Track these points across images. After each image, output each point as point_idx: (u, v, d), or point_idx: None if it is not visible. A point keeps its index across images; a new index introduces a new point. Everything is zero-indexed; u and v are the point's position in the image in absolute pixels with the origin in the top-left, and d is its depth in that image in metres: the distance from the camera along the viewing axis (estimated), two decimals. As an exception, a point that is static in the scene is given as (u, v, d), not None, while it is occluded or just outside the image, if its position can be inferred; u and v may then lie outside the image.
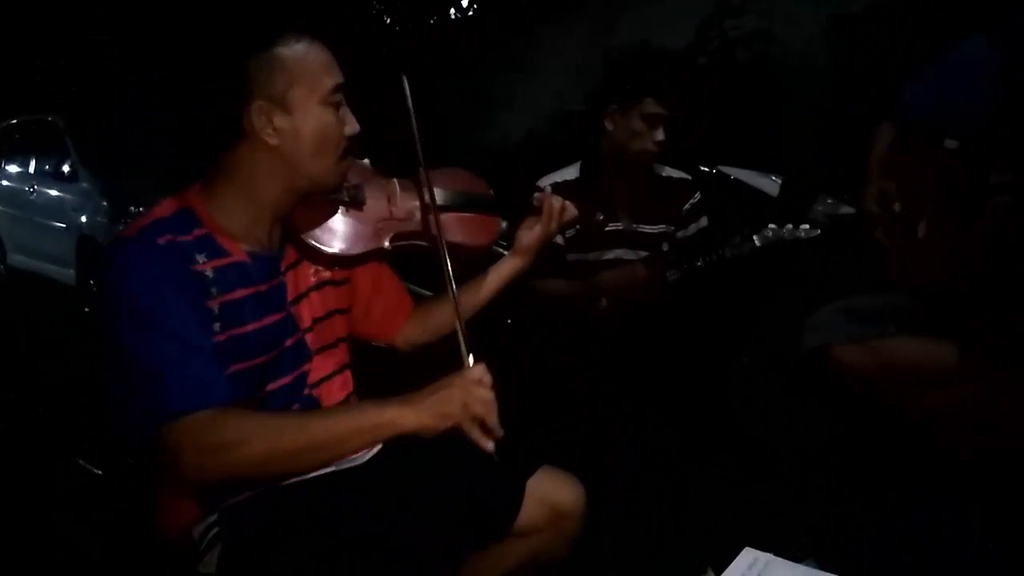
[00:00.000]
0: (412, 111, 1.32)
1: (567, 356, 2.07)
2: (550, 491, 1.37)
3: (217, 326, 1.17)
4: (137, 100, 6.15)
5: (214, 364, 1.14)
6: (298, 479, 1.25)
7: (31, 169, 6.53)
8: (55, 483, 2.23)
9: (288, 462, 1.13)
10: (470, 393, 1.14)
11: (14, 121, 6.95)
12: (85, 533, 1.91)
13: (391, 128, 1.40)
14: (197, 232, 1.19)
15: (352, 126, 1.25)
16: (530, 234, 1.49)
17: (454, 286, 1.27)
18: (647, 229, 2.20)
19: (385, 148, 1.42)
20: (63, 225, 5.89)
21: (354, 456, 1.35)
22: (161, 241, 1.14)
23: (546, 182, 2.26)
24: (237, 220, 1.23)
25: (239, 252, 1.22)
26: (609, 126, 2.13)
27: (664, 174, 2.26)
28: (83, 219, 5.65)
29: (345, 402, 1.39)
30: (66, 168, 6.01)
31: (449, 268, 1.27)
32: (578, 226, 1.56)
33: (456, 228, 1.42)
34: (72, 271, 5.73)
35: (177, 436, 1.07)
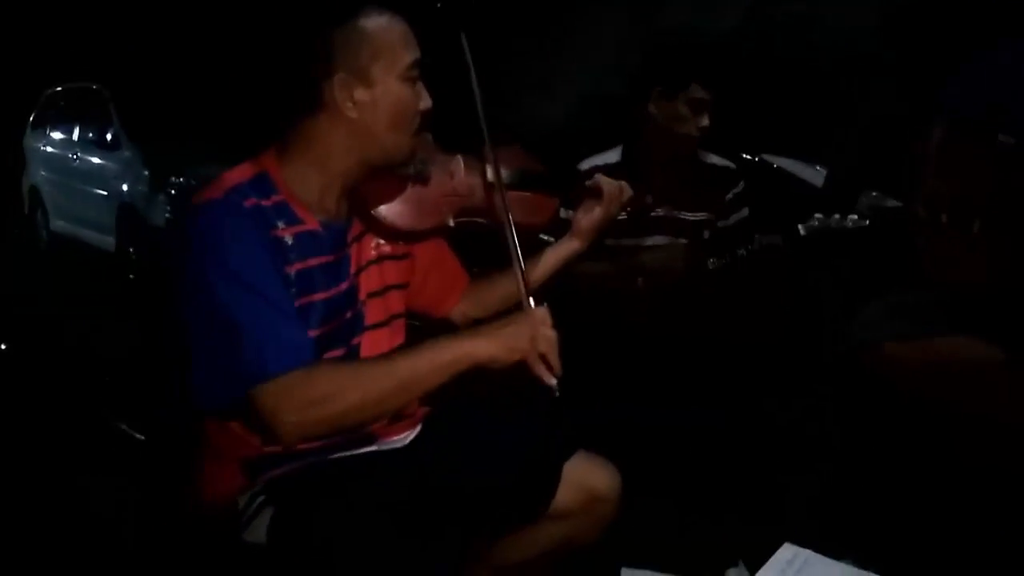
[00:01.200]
0: (478, 95, 1.35)
1: (604, 341, 2.06)
2: (586, 475, 1.37)
3: (293, 291, 1.19)
4: (180, 70, 6.20)
5: (302, 327, 1.18)
6: (341, 455, 1.27)
7: (75, 136, 6.64)
8: (97, 448, 2.28)
9: (379, 406, 1.18)
10: (537, 329, 1.19)
11: (59, 88, 7.07)
12: (126, 499, 1.95)
13: (451, 103, 1.40)
14: (275, 198, 1.21)
15: (427, 101, 1.27)
16: (590, 217, 1.50)
17: (517, 246, 1.30)
18: (688, 216, 2.18)
19: (445, 123, 1.42)
20: (104, 193, 6.00)
21: (395, 438, 1.37)
22: (247, 204, 1.17)
23: (587, 165, 2.24)
24: (309, 189, 1.25)
25: (312, 220, 1.24)
26: (653, 110, 2.11)
27: (708, 161, 2.23)
28: (124, 187, 5.75)
29: None
30: (109, 136, 6.11)
31: (518, 248, 1.30)
32: (628, 208, 1.57)
33: (516, 206, 1.42)
34: (112, 238, 5.84)
35: (274, 396, 1.10)
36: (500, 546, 1.40)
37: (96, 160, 6.23)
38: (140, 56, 7.01)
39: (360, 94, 1.20)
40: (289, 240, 1.20)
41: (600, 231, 1.53)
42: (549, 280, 1.52)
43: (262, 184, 1.21)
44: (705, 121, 2.06)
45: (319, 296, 1.23)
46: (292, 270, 1.19)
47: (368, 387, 1.15)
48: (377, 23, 1.21)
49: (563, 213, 1.63)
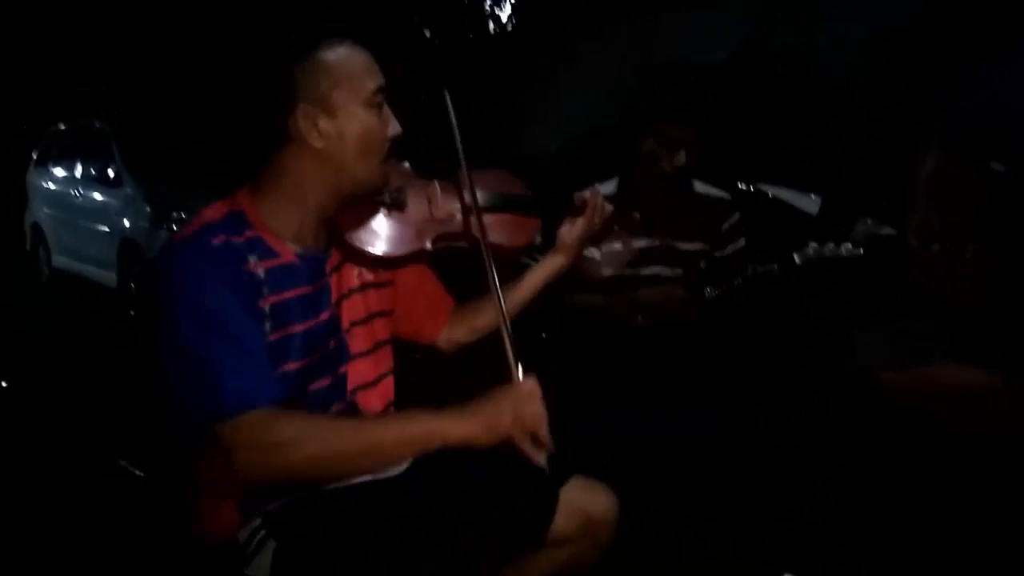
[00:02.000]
0: (453, 116, 1.35)
1: (602, 370, 2.07)
2: (583, 500, 1.37)
3: (268, 326, 1.19)
4: (181, 107, 6.28)
5: (266, 364, 1.16)
6: (336, 486, 1.26)
7: (77, 173, 6.69)
8: (96, 484, 2.27)
9: (338, 465, 1.16)
10: (522, 406, 1.16)
11: (62, 126, 7.13)
12: (126, 534, 1.94)
13: (430, 132, 1.43)
14: (248, 233, 1.22)
15: (394, 127, 1.28)
16: (572, 230, 1.51)
17: (499, 290, 1.29)
18: (685, 247, 2.19)
19: (424, 151, 1.44)
20: (106, 229, 6.03)
21: (390, 467, 1.36)
22: (216, 242, 1.17)
23: (584, 196, 2.26)
24: (285, 222, 1.25)
25: (288, 253, 1.25)
26: (639, 146, 2.14)
27: (704, 192, 2.25)
28: (126, 223, 5.78)
29: (386, 408, 1.40)
30: (111, 173, 6.15)
31: (493, 270, 1.29)
32: (617, 243, 1.57)
33: (496, 229, 1.43)
34: (113, 274, 5.85)
35: (233, 434, 1.09)
36: (500, 574, 1.39)
37: (98, 196, 6.27)
38: (141, 93, 7.09)
39: (324, 124, 1.22)
40: (262, 274, 1.20)
41: (583, 244, 1.52)
42: (537, 297, 1.52)
43: (234, 221, 1.22)
44: (681, 159, 2.08)
45: (298, 328, 1.23)
46: (266, 304, 1.19)
47: (329, 443, 1.13)
48: (336, 54, 1.23)
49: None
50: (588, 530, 1.37)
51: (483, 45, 7.67)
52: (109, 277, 5.92)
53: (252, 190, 1.27)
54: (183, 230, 1.21)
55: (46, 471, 2.40)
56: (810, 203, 3.63)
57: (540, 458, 1.16)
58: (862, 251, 1.95)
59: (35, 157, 7.34)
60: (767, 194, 3.74)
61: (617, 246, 2.14)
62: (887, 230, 2.02)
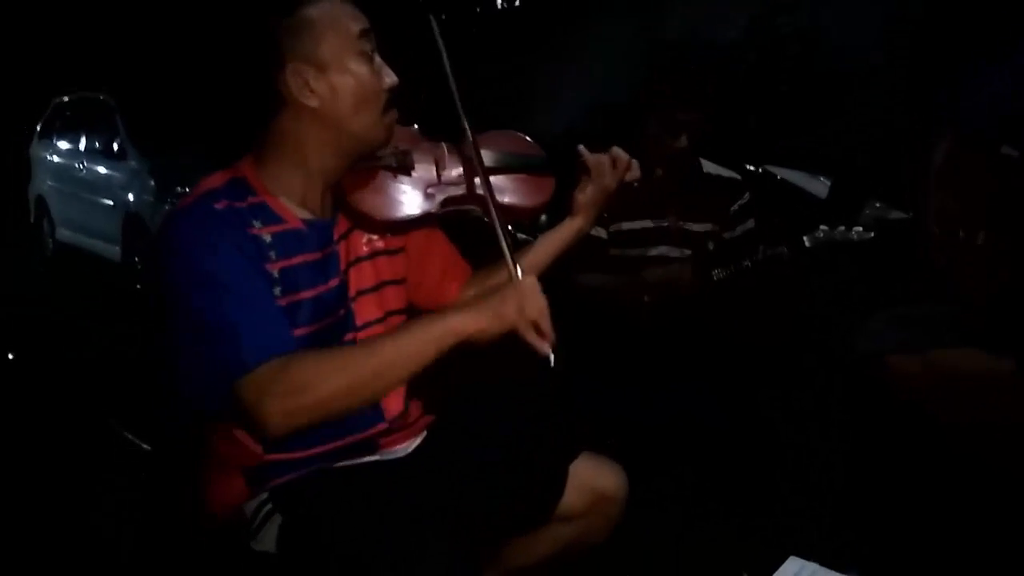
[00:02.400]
0: (451, 75, 1.31)
1: (608, 351, 2.06)
2: (592, 476, 1.37)
3: (278, 290, 1.18)
4: (186, 80, 6.24)
5: (281, 318, 1.16)
6: (347, 464, 1.27)
7: (81, 146, 6.67)
8: (103, 458, 2.28)
9: (365, 389, 1.15)
10: (525, 298, 1.16)
11: (66, 98, 7.10)
12: (133, 508, 1.95)
13: (437, 96, 1.39)
14: (251, 199, 1.21)
15: (390, 77, 1.25)
16: (584, 193, 1.46)
17: (499, 220, 1.26)
18: (693, 227, 2.18)
19: (434, 114, 1.41)
20: (110, 202, 6.02)
21: (398, 447, 1.36)
22: (218, 207, 1.16)
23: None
24: (290, 188, 1.24)
25: (294, 219, 1.23)
26: (645, 127, 2.12)
27: (714, 173, 2.23)
28: (130, 197, 5.77)
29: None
30: (115, 146, 6.13)
31: (495, 210, 1.27)
32: (625, 223, 1.54)
33: (508, 189, 1.40)
34: (117, 248, 5.85)
35: (255, 387, 1.09)
36: (509, 549, 1.39)
37: (102, 170, 6.25)
38: (146, 66, 7.05)
39: (315, 81, 1.19)
40: (268, 238, 1.19)
41: (599, 205, 1.48)
42: (555, 261, 1.49)
43: (236, 188, 1.21)
44: (681, 143, 2.07)
45: (306, 294, 1.22)
46: (275, 268, 1.19)
47: (352, 370, 1.12)
48: (317, 7, 1.20)
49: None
50: (597, 506, 1.37)
51: (490, 20, 7.61)
52: (113, 251, 5.92)
53: (254, 158, 1.25)
54: (184, 199, 1.20)
55: (51, 444, 2.41)
56: (819, 186, 3.63)
57: (545, 348, 1.16)
58: (872, 235, 1.94)
59: (39, 129, 7.32)
60: (776, 176, 3.73)
61: (624, 225, 2.13)
62: (897, 214, 2.01)
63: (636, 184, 1.57)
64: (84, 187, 6.45)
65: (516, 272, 1.21)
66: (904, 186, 1.93)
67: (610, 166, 1.45)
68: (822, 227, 1.95)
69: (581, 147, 1.48)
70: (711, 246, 2.18)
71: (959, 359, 1.57)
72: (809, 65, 4.64)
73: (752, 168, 3.63)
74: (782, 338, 2.15)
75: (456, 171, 1.39)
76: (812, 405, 2.10)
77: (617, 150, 1.47)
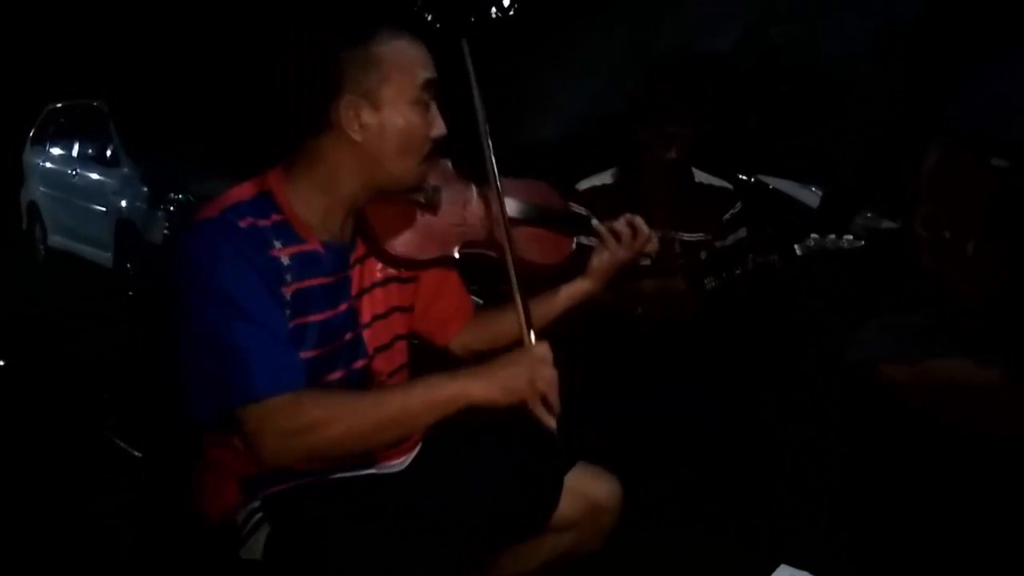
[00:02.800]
0: (484, 125, 1.30)
1: (602, 360, 2.07)
2: (587, 486, 1.38)
3: (288, 312, 1.18)
4: (179, 87, 6.24)
5: (292, 349, 1.16)
6: (341, 475, 1.26)
7: (74, 152, 6.65)
8: (93, 464, 2.27)
9: (365, 439, 1.15)
10: (536, 370, 1.16)
11: (59, 105, 7.09)
12: (123, 515, 1.94)
13: (466, 133, 1.39)
14: (275, 217, 1.20)
15: (439, 128, 1.25)
16: (600, 259, 1.47)
17: (515, 279, 1.26)
18: (685, 237, 2.19)
19: (466, 150, 1.41)
20: (103, 209, 6.00)
21: (395, 462, 1.37)
22: (243, 224, 1.16)
23: (584, 186, 2.25)
24: (313, 209, 1.23)
25: (313, 241, 1.23)
26: (638, 137, 2.13)
27: (705, 182, 2.24)
28: (123, 203, 5.75)
29: None
30: (108, 153, 6.11)
31: (512, 264, 1.26)
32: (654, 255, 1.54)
33: (526, 242, 1.40)
34: (109, 254, 5.83)
35: (259, 419, 1.09)
36: (503, 558, 1.39)
37: (95, 176, 6.24)
38: (140, 72, 7.04)
39: (367, 117, 1.19)
40: (286, 260, 1.18)
41: (612, 273, 1.49)
42: (560, 319, 1.49)
43: (262, 203, 1.20)
44: (671, 154, 2.08)
45: (315, 317, 1.22)
46: (289, 291, 1.18)
47: (356, 420, 1.12)
48: (389, 46, 1.19)
49: (586, 240, 1.59)
50: (592, 515, 1.38)
51: (485, 29, 7.63)
52: (105, 257, 5.90)
53: (283, 173, 1.24)
54: (208, 208, 1.19)
55: (42, 450, 2.40)
56: (810, 195, 3.64)
57: (551, 421, 1.16)
58: (862, 244, 1.95)
59: (31, 135, 7.30)
60: (768, 186, 3.75)
61: (644, 260, 2.14)
62: (888, 223, 2.03)
63: (627, 197, 1.58)
64: (77, 193, 6.43)
65: (530, 338, 1.21)
66: (896, 196, 1.94)
67: (629, 237, 1.46)
68: (813, 236, 1.95)
69: (594, 221, 1.48)
70: (703, 255, 2.19)
71: (948, 368, 1.58)
72: (802, 75, 4.67)
73: (744, 178, 3.65)
74: (775, 345, 2.16)
75: (482, 215, 1.37)
76: (804, 412, 2.10)
77: (638, 220, 1.47)
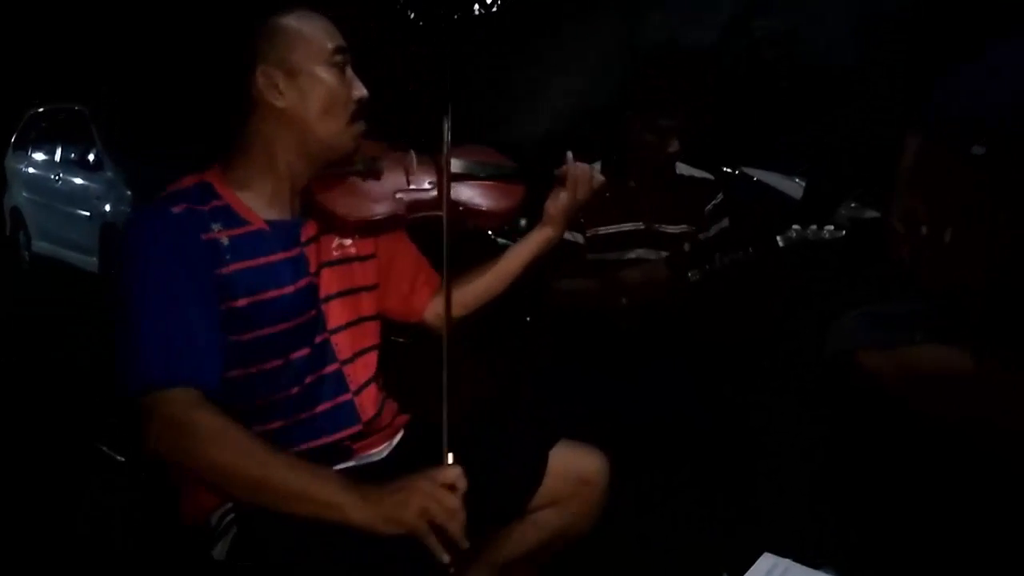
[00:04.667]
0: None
1: (586, 355, 2.07)
2: (572, 462, 1.38)
3: (237, 291, 1.19)
4: (161, 89, 6.20)
5: (209, 345, 1.15)
6: None
7: (57, 157, 6.60)
8: (76, 469, 2.26)
9: (234, 484, 1.11)
10: (433, 498, 1.07)
11: (41, 109, 7.03)
12: (106, 519, 1.93)
13: (408, 110, 1.41)
14: (215, 203, 1.23)
15: (359, 90, 1.28)
16: (557, 202, 1.48)
17: (449, 286, 1.27)
18: (669, 229, 2.19)
19: (401, 129, 1.43)
20: (87, 213, 5.96)
21: (373, 451, 1.36)
22: (176, 210, 1.18)
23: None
24: (257, 190, 1.26)
25: (258, 220, 1.25)
26: (627, 133, 2.13)
27: (687, 174, 2.24)
28: (107, 208, 5.71)
29: (370, 382, 1.38)
30: (91, 157, 6.07)
31: (447, 272, 1.28)
32: (601, 227, 1.55)
33: (477, 195, 1.42)
34: (95, 259, 5.79)
35: (151, 404, 1.09)
36: (495, 542, 1.39)
37: (79, 181, 6.19)
38: (121, 76, 7.00)
39: (284, 84, 1.23)
40: (225, 241, 1.20)
41: (570, 216, 1.50)
42: (527, 270, 1.51)
43: (200, 191, 1.23)
44: (674, 146, 2.08)
45: (270, 294, 1.23)
46: (229, 270, 1.19)
47: (241, 459, 1.09)
48: (293, 16, 1.24)
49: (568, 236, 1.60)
50: (579, 491, 1.38)
51: (468, 26, 7.62)
52: (91, 262, 5.86)
53: (222, 162, 1.28)
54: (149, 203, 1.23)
55: (26, 456, 2.38)
56: (794, 187, 3.65)
57: (443, 556, 1.06)
58: (845, 233, 1.96)
59: (13, 141, 7.25)
60: (752, 177, 3.76)
61: (600, 230, 2.14)
62: (871, 213, 2.04)
63: (611, 190, 1.58)
64: (60, 198, 6.38)
65: (447, 458, 1.14)
66: (880, 185, 1.95)
67: (586, 180, 1.48)
68: (795, 227, 1.96)
69: (569, 154, 1.50)
70: (687, 247, 2.19)
71: (925, 355, 1.59)
72: (784, 67, 4.69)
73: (728, 170, 3.66)
74: (758, 336, 2.17)
75: (425, 178, 1.40)
76: (786, 402, 2.11)
77: (582, 164, 1.49)
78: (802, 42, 4.79)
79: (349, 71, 1.28)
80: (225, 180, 1.26)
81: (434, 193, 1.39)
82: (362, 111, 1.29)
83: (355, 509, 1.08)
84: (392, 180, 1.38)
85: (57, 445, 2.50)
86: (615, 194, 2.11)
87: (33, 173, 6.88)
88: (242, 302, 1.19)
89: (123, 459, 2.01)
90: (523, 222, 1.72)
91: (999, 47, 1.71)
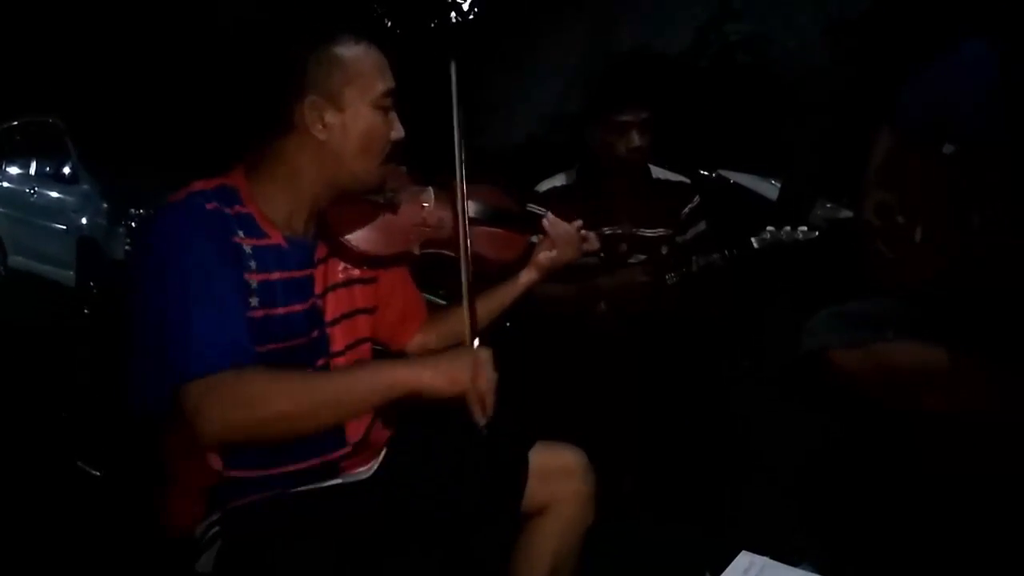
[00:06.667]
0: (458, 127, 1.35)
1: (565, 360, 2.07)
2: (550, 459, 1.40)
3: (255, 301, 1.19)
4: (136, 101, 6.16)
5: (245, 331, 1.15)
6: (304, 489, 1.26)
7: (32, 171, 6.52)
8: (53, 485, 2.23)
9: (308, 419, 1.13)
10: (480, 368, 1.18)
11: (15, 123, 6.94)
12: (84, 534, 1.91)
13: (428, 135, 1.42)
14: (239, 208, 1.22)
15: (398, 131, 1.29)
16: (547, 256, 1.54)
17: (470, 284, 1.30)
18: (646, 233, 2.21)
19: (420, 155, 1.44)
20: (63, 227, 5.89)
21: (360, 470, 1.37)
22: (208, 207, 1.17)
23: (545, 187, 2.27)
24: (276, 207, 1.26)
25: (277, 236, 1.25)
26: (591, 136, 2.15)
27: (663, 178, 2.26)
28: (83, 221, 5.65)
29: None
30: (67, 170, 6.01)
31: (470, 270, 1.31)
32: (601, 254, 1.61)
33: (484, 241, 1.44)
34: (71, 273, 5.72)
35: (200, 394, 1.06)
36: (514, 567, 1.41)
37: (54, 194, 6.12)
38: (95, 88, 6.94)
39: (330, 117, 1.22)
40: (248, 249, 1.20)
41: (556, 270, 1.55)
42: (509, 308, 1.55)
43: (227, 194, 1.22)
44: (634, 142, 2.09)
45: (280, 310, 1.23)
46: (253, 279, 1.19)
47: (299, 397, 1.11)
48: (352, 50, 1.23)
49: (535, 238, 1.63)
50: (565, 485, 1.40)
51: (445, 35, 7.62)
52: (67, 276, 5.79)
53: (246, 171, 1.26)
54: (173, 196, 1.19)
55: (3, 470, 2.35)
56: (771, 189, 3.68)
57: (482, 420, 1.19)
58: (816, 235, 1.98)
59: (-14, 155, 7.16)
60: (728, 180, 3.79)
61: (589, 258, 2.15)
62: (846, 213, 2.06)
63: (588, 195, 1.60)
64: (36, 212, 6.31)
65: (473, 343, 1.24)
66: (852, 186, 1.97)
67: (578, 241, 1.54)
68: (769, 228, 1.99)
69: (549, 216, 1.55)
70: (664, 251, 2.21)
71: (897, 351, 1.61)
72: (758, 70, 4.73)
73: (705, 173, 3.69)
74: (733, 337, 2.19)
75: (440, 215, 1.42)
76: (764, 402, 2.13)
77: (585, 231, 1.56)
78: (774, 46, 4.84)
79: (392, 112, 1.28)
80: (248, 189, 1.25)
81: (448, 233, 1.41)
82: (398, 152, 1.30)
83: (419, 376, 1.15)
84: (408, 214, 1.39)
85: (34, 461, 2.46)
86: (590, 200, 2.13)
87: (8, 187, 6.79)
88: (258, 313, 1.19)
89: (99, 474, 1.99)
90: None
91: (966, 47, 1.74)
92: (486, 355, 1.21)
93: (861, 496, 1.70)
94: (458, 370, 1.17)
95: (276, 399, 1.09)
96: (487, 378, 1.18)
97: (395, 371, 1.16)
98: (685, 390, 2.01)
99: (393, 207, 1.36)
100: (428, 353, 1.54)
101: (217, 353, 1.09)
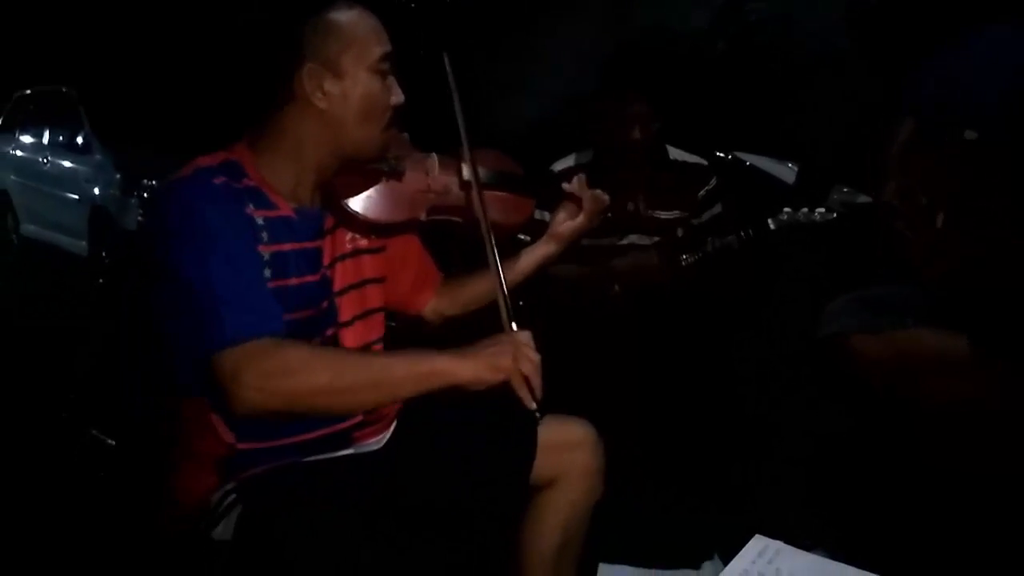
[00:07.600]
0: (455, 89, 1.36)
1: (579, 339, 2.07)
2: (559, 431, 1.40)
3: (268, 273, 1.19)
4: (150, 71, 6.14)
5: (272, 299, 1.15)
6: (317, 458, 1.26)
7: (45, 140, 6.54)
8: (68, 454, 2.25)
9: (345, 396, 1.13)
10: (521, 351, 1.17)
11: (28, 91, 6.96)
12: (97, 503, 1.93)
13: (429, 105, 1.41)
14: (246, 181, 1.21)
15: (398, 96, 1.28)
16: (569, 224, 1.53)
17: (497, 257, 1.29)
18: (662, 215, 2.20)
19: (423, 124, 1.43)
20: (76, 196, 5.92)
21: (372, 440, 1.37)
22: (216, 182, 1.17)
23: (560, 166, 2.25)
24: (282, 179, 1.25)
25: (286, 207, 1.24)
26: (602, 118, 2.14)
27: (680, 159, 2.24)
28: (96, 191, 5.68)
29: None
30: (80, 139, 6.02)
31: (493, 240, 1.30)
32: (610, 214, 1.59)
33: (491, 206, 1.43)
34: (84, 242, 5.76)
35: (237, 360, 1.06)
36: (521, 540, 1.42)
37: (67, 164, 6.14)
38: (109, 58, 6.92)
39: (330, 84, 1.22)
40: (260, 221, 1.20)
41: (578, 237, 1.54)
42: (525, 281, 1.53)
43: (232, 168, 1.21)
44: (636, 133, 2.09)
45: (293, 281, 1.23)
46: (267, 250, 1.19)
47: (338, 372, 1.11)
48: (347, 16, 1.23)
49: (538, 215, 1.64)
50: (574, 458, 1.40)
51: (460, 11, 7.55)
52: (79, 245, 5.82)
53: (249, 144, 1.26)
54: (178, 173, 1.19)
55: (14, 441, 2.37)
56: (787, 171, 3.65)
57: (532, 404, 1.18)
58: (835, 216, 1.97)
59: (0, 124, 7.17)
60: (745, 162, 3.76)
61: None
62: (863, 198, 2.04)
63: (604, 176, 1.60)
64: (48, 181, 6.33)
65: (511, 327, 1.23)
66: (870, 171, 1.95)
67: (598, 204, 1.51)
68: (786, 209, 1.97)
69: (579, 179, 1.52)
70: (680, 232, 2.20)
71: (916, 338, 1.60)
72: (778, 51, 4.67)
73: (722, 155, 3.66)
74: (749, 321, 2.18)
75: (445, 181, 1.41)
76: (780, 387, 2.12)
77: (597, 191, 1.52)
78: (794, 28, 4.77)
79: (391, 77, 1.28)
80: (253, 162, 1.24)
81: (454, 199, 1.41)
82: (396, 116, 1.30)
83: (461, 368, 1.15)
84: (413, 181, 1.39)
85: (47, 430, 2.48)
86: (605, 180, 2.11)
87: (21, 156, 6.81)
88: (272, 284, 1.19)
89: (114, 443, 2.00)
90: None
91: (986, 32, 1.72)
92: (526, 338, 1.19)
93: (877, 483, 1.70)
94: (499, 357, 1.16)
95: (318, 372, 1.09)
96: (530, 360, 1.17)
97: (434, 360, 1.15)
98: (699, 371, 2.01)
99: (398, 174, 1.36)
100: (443, 319, 1.55)
101: (254, 319, 1.09)
